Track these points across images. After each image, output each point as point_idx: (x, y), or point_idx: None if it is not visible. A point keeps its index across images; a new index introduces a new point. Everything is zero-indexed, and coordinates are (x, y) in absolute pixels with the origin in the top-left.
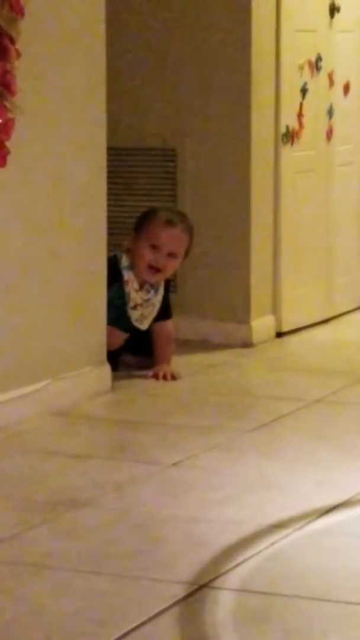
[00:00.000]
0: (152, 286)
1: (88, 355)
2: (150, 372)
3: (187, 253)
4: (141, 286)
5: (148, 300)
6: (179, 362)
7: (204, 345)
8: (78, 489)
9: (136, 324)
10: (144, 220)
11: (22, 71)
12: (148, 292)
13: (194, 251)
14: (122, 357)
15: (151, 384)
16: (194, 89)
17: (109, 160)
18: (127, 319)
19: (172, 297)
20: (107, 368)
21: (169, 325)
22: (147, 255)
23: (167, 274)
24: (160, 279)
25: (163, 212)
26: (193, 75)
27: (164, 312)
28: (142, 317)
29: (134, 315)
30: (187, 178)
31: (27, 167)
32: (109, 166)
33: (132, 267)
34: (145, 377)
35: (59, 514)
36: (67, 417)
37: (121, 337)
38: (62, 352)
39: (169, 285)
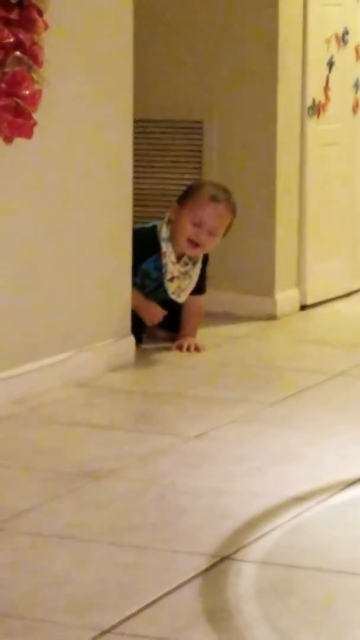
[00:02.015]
0: (190, 259)
1: (112, 327)
2: (174, 344)
3: (227, 230)
4: (179, 259)
5: (185, 272)
6: (204, 334)
7: (229, 317)
8: (101, 460)
9: (173, 297)
10: (189, 193)
11: (49, 43)
12: (186, 264)
13: None
14: (155, 331)
15: (174, 356)
16: (220, 62)
17: (135, 133)
18: (164, 291)
19: None
20: (130, 340)
21: (201, 300)
22: (188, 229)
23: (206, 250)
24: (199, 254)
25: (208, 187)
26: (220, 48)
27: (198, 287)
28: (179, 289)
29: (171, 287)
30: (213, 150)
31: (53, 139)
32: (135, 138)
33: (171, 239)
34: (169, 349)
35: (81, 485)
36: (91, 389)
37: (161, 313)
38: (85, 324)
39: (207, 260)
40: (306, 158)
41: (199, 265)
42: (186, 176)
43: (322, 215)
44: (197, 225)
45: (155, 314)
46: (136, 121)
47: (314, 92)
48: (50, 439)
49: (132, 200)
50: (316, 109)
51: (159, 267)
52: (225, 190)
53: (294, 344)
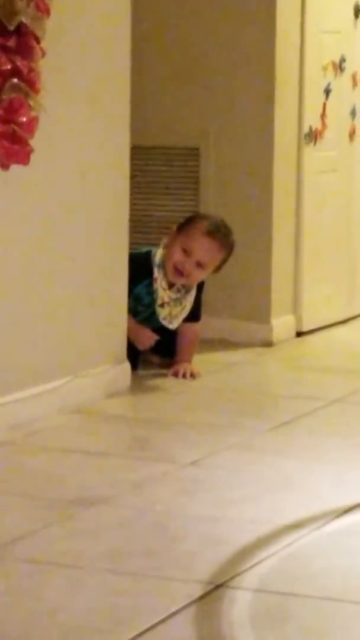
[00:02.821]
0: (183, 286)
1: (108, 353)
2: (170, 371)
3: (220, 267)
4: (170, 285)
5: (177, 299)
6: (199, 361)
7: (225, 344)
8: (96, 487)
9: (164, 323)
10: (188, 222)
11: (46, 70)
12: (178, 291)
13: None
14: (148, 356)
15: (170, 382)
16: (218, 88)
17: (132, 159)
18: (156, 317)
19: None
20: (126, 366)
21: (196, 327)
22: (177, 256)
23: (190, 281)
24: (181, 282)
25: (209, 221)
26: (217, 75)
27: (193, 314)
28: (170, 315)
29: (162, 313)
30: (210, 177)
31: (50, 166)
32: (132, 164)
33: (163, 264)
34: (164, 375)
35: (76, 512)
36: (87, 415)
37: (152, 337)
38: (82, 350)
39: (202, 286)
40: (303, 185)
41: (192, 293)
42: (183, 202)
43: (318, 241)
44: (186, 253)
45: (146, 338)
46: (133, 148)
47: (311, 119)
48: (45, 465)
49: (128, 227)
50: (313, 136)
51: (151, 293)
52: (225, 227)
53: (290, 371)
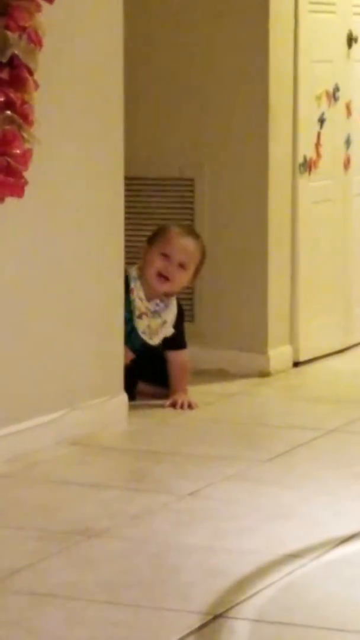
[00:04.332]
0: (161, 300)
1: (105, 384)
2: (167, 402)
3: (197, 272)
4: (149, 299)
5: (155, 312)
6: (196, 392)
7: (221, 374)
8: (94, 519)
9: (144, 337)
10: (158, 233)
11: (40, 102)
12: (156, 305)
13: (211, 280)
14: (140, 387)
15: (167, 413)
16: (211, 119)
17: (126, 190)
18: (136, 333)
19: (189, 326)
20: (123, 397)
21: (184, 354)
22: (158, 263)
23: (175, 286)
24: (168, 289)
25: (178, 226)
26: (211, 105)
27: (178, 342)
28: (149, 329)
29: (141, 326)
30: (205, 208)
31: (44, 198)
32: (126, 196)
33: (140, 277)
34: (162, 406)
35: (74, 544)
36: (84, 447)
37: (129, 355)
38: (79, 382)
39: (182, 315)
40: (298, 215)
41: (172, 309)
42: None
43: (314, 271)
44: (166, 257)
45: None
46: (127, 179)
47: (305, 149)
48: (43, 497)
49: (123, 258)
50: (307, 166)
51: (129, 305)
52: (194, 231)
53: (287, 401)
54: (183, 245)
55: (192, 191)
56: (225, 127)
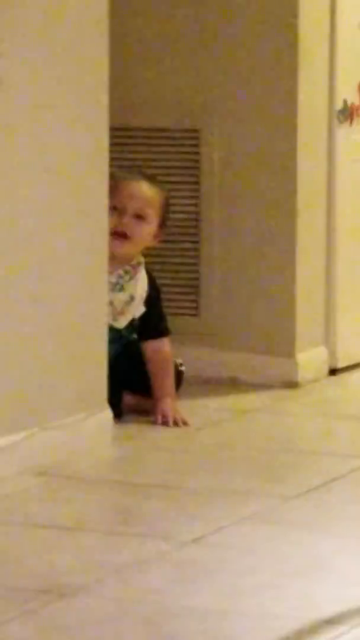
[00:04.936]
0: (126, 272)
1: (83, 397)
2: (156, 417)
3: (162, 224)
4: (111, 271)
5: (117, 284)
6: (202, 407)
7: (234, 385)
8: (69, 572)
9: (108, 320)
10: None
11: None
12: (119, 277)
13: (220, 262)
14: (125, 398)
15: (162, 433)
16: (223, 52)
17: (114, 144)
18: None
19: (192, 321)
20: (107, 414)
21: (165, 345)
22: (111, 221)
23: (137, 242)
24: (129, 250)
25: (122, 172)
26: (222, 33)
27: (156, 326)
28: (112, 306)
29: None
30: (215, 168)
31: (8, 158)
32: (113, 151)
33: None
34: (153, 423)
35: (43, 605)
36: (55, 478)
37: None
38: (50, 394)
39: (158, 290)
40: (335, 176)
41: (140, 283)
42: (179, 201)
43: (357, 251)
44: (120, 211)
45: None
46: (115, 129)
47: (346, 92)
48: (3, 544)
49: (108, 237)
50: (348, 114)
51: None
52: (148, 174)
53: (321, 420)
54: (136, 192)
55: (196, 145)
56: (241, 64)
